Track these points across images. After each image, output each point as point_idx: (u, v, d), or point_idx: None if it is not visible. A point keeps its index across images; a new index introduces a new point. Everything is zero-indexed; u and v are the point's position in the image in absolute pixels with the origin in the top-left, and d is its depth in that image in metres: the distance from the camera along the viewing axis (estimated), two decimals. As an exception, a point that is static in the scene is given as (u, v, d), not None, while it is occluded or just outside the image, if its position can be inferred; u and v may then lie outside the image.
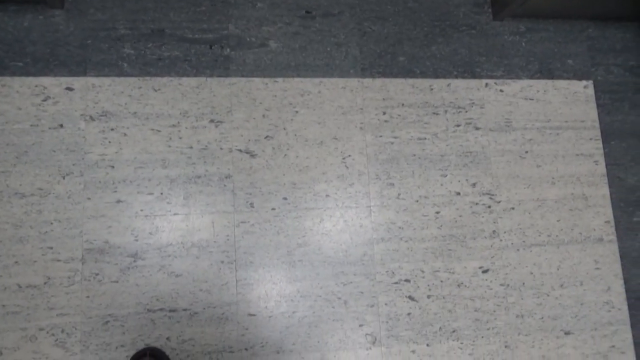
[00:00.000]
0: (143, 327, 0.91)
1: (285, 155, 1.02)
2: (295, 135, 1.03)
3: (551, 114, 1.14)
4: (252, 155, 1.01)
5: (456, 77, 1.12)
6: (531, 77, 1.15)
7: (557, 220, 1.09)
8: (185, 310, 0.93)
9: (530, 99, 1.14)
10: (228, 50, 1.04)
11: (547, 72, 1.16)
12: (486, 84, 1.13)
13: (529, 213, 1.09)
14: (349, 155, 1.04)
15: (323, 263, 0.99)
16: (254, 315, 0.95)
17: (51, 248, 0.91)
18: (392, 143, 1.06)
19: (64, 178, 0.93)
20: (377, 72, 1.09)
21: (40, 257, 0.90)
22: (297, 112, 1.04)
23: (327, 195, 1.01)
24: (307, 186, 1.01)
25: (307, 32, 1.08)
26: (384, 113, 1.07)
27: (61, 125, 0.95)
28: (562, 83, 1.16)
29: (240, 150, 1.00)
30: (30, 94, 0.95)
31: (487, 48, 1.15)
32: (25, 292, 0.89)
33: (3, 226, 0.90)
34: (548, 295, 1.06)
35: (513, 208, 1.08)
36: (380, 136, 1.06)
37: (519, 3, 1.07)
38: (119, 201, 0.94)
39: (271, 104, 1.03)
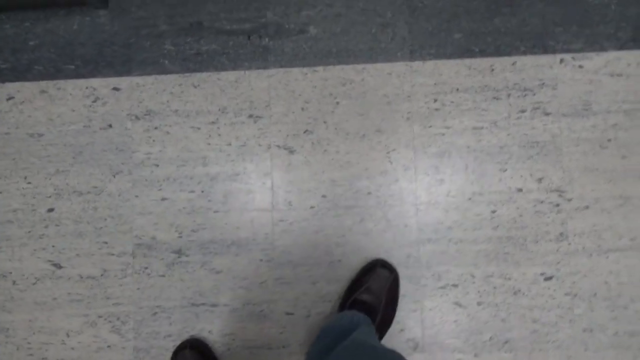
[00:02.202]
0: (187, 320, 0.95)
1: (325, 150, 0.97)
2: (336, 128, 0.97)
3: (645, 94, 0.94)
4: (291, 152, 0.97)
5: (524, 53, 0.97)
6: (621, 47, 0.96)
7: (645, 222, 0.93)
8: (225, 305, 0.95)
9: (618, 75, 0.95)
10: (267, 39, 0.99)
11: (643, 41, 0.96)
12: (561, 60, 0.96)
13: (608, 213, 0.93)
14: (394, 149, 0.96)
15: (363, 264, 0.94)
16: (291, 314, 0.95)
17: (106, 243, 0.97)
18: (443, 134, 0.96)
19: (114, 177, 0.98)
20: (428, 53, 0.98)
21: (97, 251, 0.97)
22: (338, 103, 0.97)
23: (368, 193, 0.95)
24: (348, 183, 0.96)
25: (349, 13, 0.99)
26: (435, 100, 0.96)
27: (110, 126, 0.99)
28: (663, 54, 0.95)
29: (278, 147, 0.97)
30: (82, 96, 1.00)
31: (565, 15, 0.97)
32: (86, 283, 0.97)
33: (65, 222, 0.98)
34: (626, 309, 0.92)
35: (587, 207, 0.94)
36: (430, 127, 0.96)
37: (607, -41, 0.88)
38: (163, 199, 0.97)
39: (311, 96, 0.98)
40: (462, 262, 0.94)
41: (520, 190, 0.94)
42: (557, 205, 0.94)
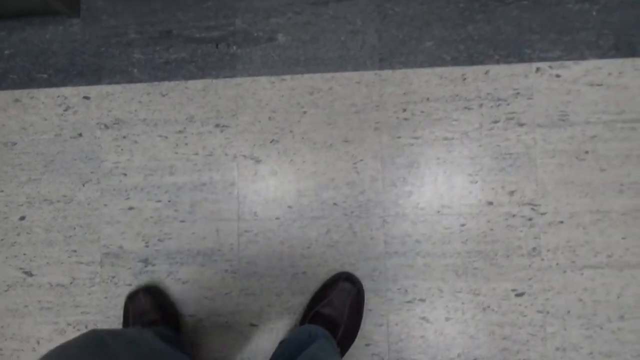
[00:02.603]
0: (152, 330, 0.95)
1: (291, 160, 0.95)
2: (303, 138, 0.95)
3: (626, 104, 0.90)
4: (257, 161, 0.96)
5: (497, 62, 0.93)
6: (602, 56, 0.91)
7: (623, 238, 0.88)
8: (191, 316, 0.95)
9: (597, 85, 0.91)
10: (234, 47, 0.98)
11: (626, 48, 0.91)
12: (537, 69, 0.92)
13: (584, 228, 0.89)
14: (361, 160, 0.94)
15: (328, 276, 0.93)
16: (255, 325, 0.94)
17: (75, 251, 0.98)
18: (412, 145, 0.93)
19: (83, 185, 0.99)
20: (398, 62, 0.95)
21: (66, 259, 0.98)
22: (305, 112, 0.96)
23: (334, 204, 0.94)
24: (314, 194, 0.94)
25: (319, 21, 0.97)
26: (404, 110, 0.94)
27: (80, 134, 1.00)
28: (646, 61, 0.90)
29: (244, 156, 0.96)
30: (54, 104, 1.01)
31: (543, 22, 0.93)
32: (56, 290, 0.98)
33: (36, 230, 0.99)
34: (602, 328, 0.88)
35: (562, 222, 0.90)
36: (399, 137, 0.94)
37: (582, -37, 0.84)
38: (131, 208, 0.97)
39: (278, 105, 0.97)
40: (429, 276, 0.91)
41: (491, 203, 0.91)
42: (530, 219, 0.90)
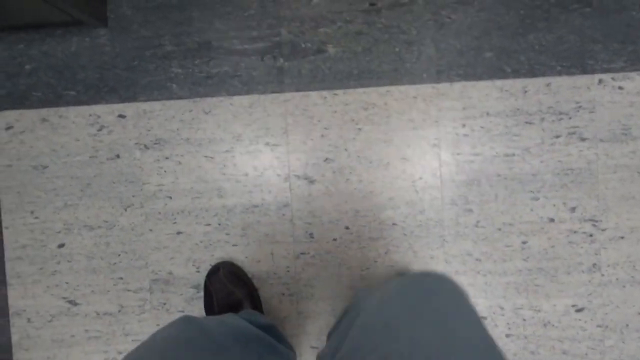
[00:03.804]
0: (209, 357, 0.93)
1: (347, 179, 0.92)
2: (358, 156, 0.91)
3: (689, 116, 0.89)
4: (311, 181, 0.92)
5: (559, 73, 0.90)
6: (665, 65, 0.89)
7: (681, 251, 0.89)
8: (248, 341, 0.93)
9: (660, 97, 0.89)
10: (281, 60, 0.92)
11: (689, 57, 0.89)
12: (600, 80, 0.89)
13: (643, 242, 0.90)
14: (420, 178, 0.91)
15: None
16: (316, 347, 0.93)
17: (121, 278, 0.94)
18: (472, 162, 0.91)
19: (125, 210, 0.94)
20: (456, 74, 0.91)
21: (112, 287, 0.94)
22: (360, 129, 0.91)
23: (393, 224, 0.91)
24: (372, 214, 0.91)
25: (371, 31, 0.91)
26: (464, 126, 0.91)
27: (118, 156, 0.93)
28: None
29: (297, 176, 0.92)
30: (86, 124, 0.94)
31: (606, 31, 0.90)
32: (103, 319, 0.94)
33: (77, 257, 0.94)
34: (658, 339, 0.90)
35: (622, 237, 0.90)
36: (458, 154, 0.91)
37: (658, -28, 0.80)
38: (179, 232, 0.93)
39: (331, 122, 0.92)
40: (490, 294, 0.91)
41: (552, 220, 0.90)
42: (591, 235, 0.90)
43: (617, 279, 0.90)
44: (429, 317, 0.41)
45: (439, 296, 0.44)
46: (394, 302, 0.45)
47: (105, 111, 0.94)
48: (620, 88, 0.89)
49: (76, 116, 0.94)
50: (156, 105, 0.93)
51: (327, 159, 0.92)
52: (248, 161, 0.92)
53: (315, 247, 0.92)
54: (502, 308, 0.91)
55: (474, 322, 0.41)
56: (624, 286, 0.90)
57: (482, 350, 0.37)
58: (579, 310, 0.90)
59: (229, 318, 0.69)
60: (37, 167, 0.94)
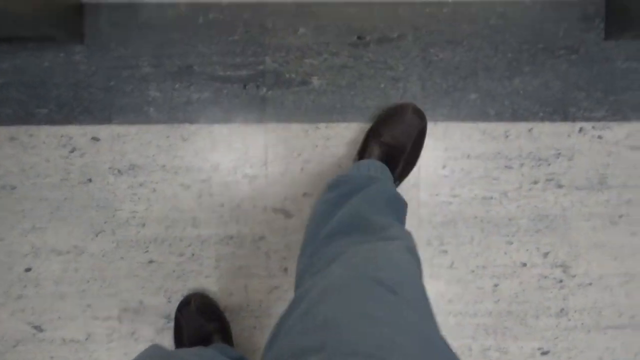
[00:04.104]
0: (178, 387, 0.93)
1: (325, 215, 0.91)
2: (337, 192, 0.90)
3: (663, 169, 0.90)
4: (288, 216, 0.91)
5: (542, 119, 0.90)
6: (645, 118, 0.90)
7: (646, 300, 0.92)
8: (218, 372, 0.93)
9: (638, 149, 0.90)
10: (264, 89, 0.90)
11: (668, 111, 0.90)
12: (580, 129, 0.90)
13: (611, 290, 0.92)
14: (398, 217, 0.91)
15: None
16: (286, 381, 0.93)
17: (89, 305, 0.92)
18: (450, 203, 0.91)
19: (96, 236, 0.91)
20: (440, 114, 0.90)
21: (80, 314, 0.92)
22: (340, 165, 0.90)
23: (369, 262, 0.91)
24: (348, 251, 0.91)
25: (357, 65, 0.90)
26: (444, 167, 0.90)
27: (90, 180, 0.90)
28: (686, 127, 0.90)
29: (274, 210, 0.91)
30: (58, 145, 0.90)
31: (590, 79, 0.90)
32: (70, 346, 0.92)
33: (44, 282, 0.92)
34: (618, 383, 0.93)
35: (590, 284, 0.92)
36: (437, 195, 0.91)
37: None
38: (151, 261, 0.91)
39: (311, 155, 0.90)
40: (460, 334, 0.92)
41: (524, 264, 0.91)
42: (561, 281, 0.92)
43: (582, 324, 0.92)
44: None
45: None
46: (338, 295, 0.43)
47: (78, 133, 0.90)
48: (600, 137, 0.90)
49: (47, 136, 0.90)
50: (132, 129, 0.90)
51: (305, 193, 0.91)
52: (225, 191, 0.91)
53: (289, 282, 0.92)
54: (470, 349, 0.92)
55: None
56: (589, 331, 0.92)
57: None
58: (544, 354, 0.93)
59: (199, 351, 0.68)
60: (5, 186, 0.90)
